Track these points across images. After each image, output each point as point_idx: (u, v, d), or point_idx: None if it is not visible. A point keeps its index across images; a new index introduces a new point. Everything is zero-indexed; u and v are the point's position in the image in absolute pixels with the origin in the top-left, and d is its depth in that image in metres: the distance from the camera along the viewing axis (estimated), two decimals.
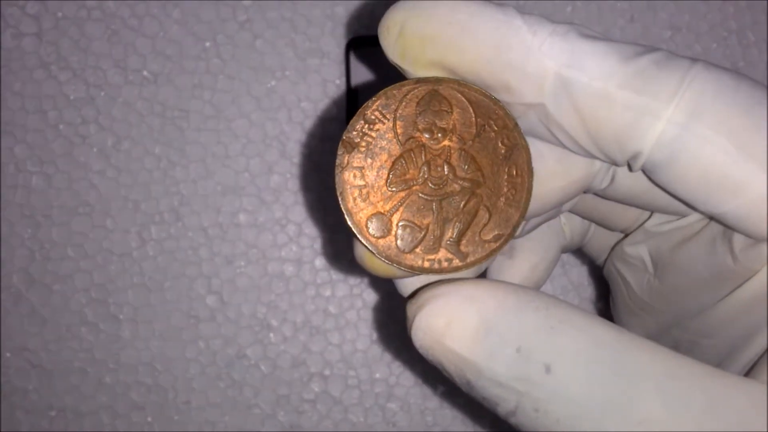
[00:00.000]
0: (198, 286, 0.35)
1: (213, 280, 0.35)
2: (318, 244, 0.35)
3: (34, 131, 0.35)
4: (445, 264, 0.18)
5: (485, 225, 0.18)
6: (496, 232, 0.18)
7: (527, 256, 0.24)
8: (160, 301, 0.35)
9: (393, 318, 0.35)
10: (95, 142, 0.35)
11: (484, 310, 0.16)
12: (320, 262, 0.35)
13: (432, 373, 0.34)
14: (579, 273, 0.34)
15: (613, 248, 0.24)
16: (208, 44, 0.35)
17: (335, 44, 0.35)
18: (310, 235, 0.35)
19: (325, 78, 0.35)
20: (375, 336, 0.35)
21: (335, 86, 0.35)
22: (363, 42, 0.34)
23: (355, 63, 0.34)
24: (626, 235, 0.23)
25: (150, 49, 0.35)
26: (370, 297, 0.35)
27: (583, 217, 0.24)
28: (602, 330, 0.16)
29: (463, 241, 0.18)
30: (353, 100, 0.34)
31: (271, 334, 0.35)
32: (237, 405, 0.35)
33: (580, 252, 0.27)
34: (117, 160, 0.35)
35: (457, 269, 0.18)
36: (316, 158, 0.35)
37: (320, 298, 0.35)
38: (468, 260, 0.18)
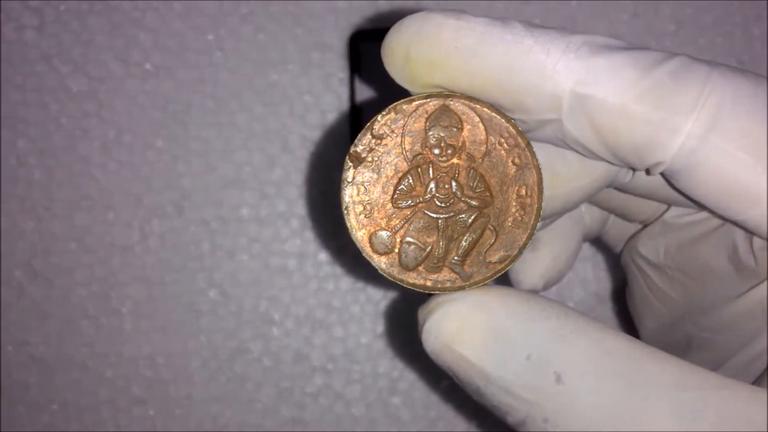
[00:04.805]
0: (200, 280, 0.34)
1: (215, 273, 0.34)
2: (321, 238, 0.35)
3: (36, 124, 0.34)
4: (447, 284, 0.18)
5: (491, 246, 0.18)
6: (502, 253, 0.18)
7: (550, 247, 0.24)
8: (162, 295, 0.34)
9: (397, 312, 0.35)
10: (97, 135, 0.34)
11: (494, 317, 0.16)
12: (324, 255, 0.35)
13: (436, 368, 0.34)
14: (584, 268, 0.34)
15: (631, 238, 0.24)
16: (210, 37, 0.35)
17: (338, 37, 0.35)
18: (313, 229, 0.35)
19: (328, 71, 0.35)
20: (379, 330, 0.35)
21: (337, 79, 0.35)
22: (366, 36, 0.34)
23: (358, 56, 0.34)
24: (645, 226, 0.23)
25: (152, 42, 0.35)
26: (374, 291, 0.35)
27: (603, 208, 0.24)
28: (614, 340, 0.16)
29: (468, 261, 0.18)
30: (357, 111, 0.34)
31: (274, 328, 0.35)
32: (239, 399, 0.34)
33: (586, 246, 0.27)
34: (119, 153, 0.34)
35: (460, 289, 0.18)
36: (318, 152, 0.35)
37: (323, 291, 0.35)
38: (471, 280, 0.18)
